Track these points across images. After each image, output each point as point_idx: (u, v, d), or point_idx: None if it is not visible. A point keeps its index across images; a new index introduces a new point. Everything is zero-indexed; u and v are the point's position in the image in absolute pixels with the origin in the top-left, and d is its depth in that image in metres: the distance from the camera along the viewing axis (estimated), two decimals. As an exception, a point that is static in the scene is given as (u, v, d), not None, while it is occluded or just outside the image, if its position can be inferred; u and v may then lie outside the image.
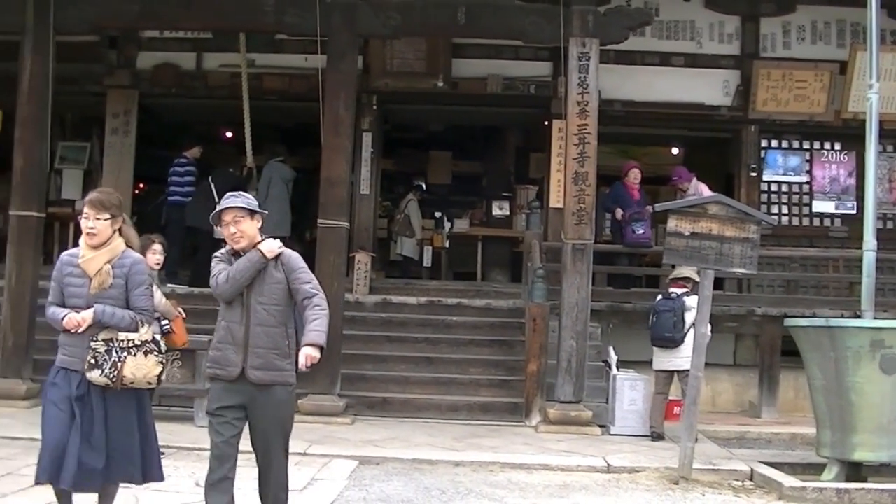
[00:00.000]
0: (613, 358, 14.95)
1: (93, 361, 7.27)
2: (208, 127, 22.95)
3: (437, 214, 23.12)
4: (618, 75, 17.85)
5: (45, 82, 14.76)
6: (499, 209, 22.26)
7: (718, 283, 15.00)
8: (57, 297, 7.59)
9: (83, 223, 7.52)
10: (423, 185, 22.98)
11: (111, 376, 7.25)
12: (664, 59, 18.90)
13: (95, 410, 7.33)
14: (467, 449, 12.60)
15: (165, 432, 12.09)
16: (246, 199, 7.60)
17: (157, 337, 7.69)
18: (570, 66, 14.50)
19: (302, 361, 7.39)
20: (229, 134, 23.20)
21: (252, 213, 7.52)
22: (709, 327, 11.60)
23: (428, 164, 25.11)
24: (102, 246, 7.49)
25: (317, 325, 7.46)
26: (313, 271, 14.91)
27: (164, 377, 7.62)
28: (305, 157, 20.59)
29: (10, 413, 13.66)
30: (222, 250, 7.66)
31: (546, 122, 18.99)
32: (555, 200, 17.93)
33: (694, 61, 18.94)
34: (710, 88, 18.89)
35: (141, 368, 7.37)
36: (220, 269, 7.54)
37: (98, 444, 7.26)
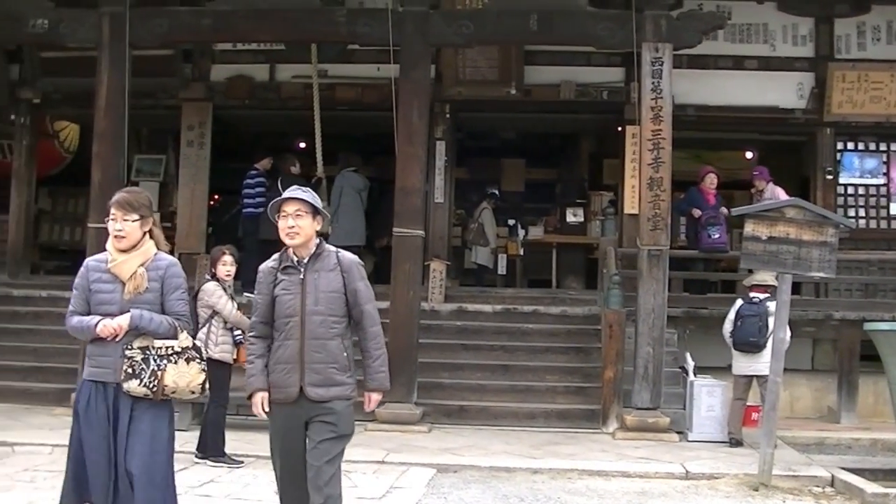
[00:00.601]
0: (690, 364, 14.86)
1: (130, 371, 6.81)
2: (282, 138, 23.09)
3: (511, 222, 23.07)
4: (691, 80, 17.73)
5: (122, 96, 14.91)
6: (573, 216, 22.18)
7: (796, 288, 14.87)
8: (81, 305, 7.11)
9: (110, 225, 7.07)
10: (497, 193, 22.95)
11: (151, 386, 6.82)
12: (737, 63, 18.74)
13: (121, 424, 6.85)
14: (545, 456, 12.58)
15: (244, 441, 12.26)
16: (313, 195, 7.16)
17: (199, 343, 7.34)
18: (643, 71, 14.44)
19: (369, 408, 7.41)
20: (302, 145, 23.31)
21: (316, 211, 7.10)
22: (788, 332, 11.52)
23: (501, 172, 25.10)
24: (133, 249, 7.05)
25: (381, 363, 7.28)
26: (388, 281, 15.08)
27: (207, 386, 7.22)
28: (378, 167, 20.66)
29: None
30: (269, 262, 7.31)
31: (619, 128, 18.90)
32: (629, 206, 17.86)
33: (767, 64, 18.76)
34: (784, 91, 18.70)
35: (183, 377, 6.97)
36: (255, 300, 7.31)
37: (130, 462, 6.78)
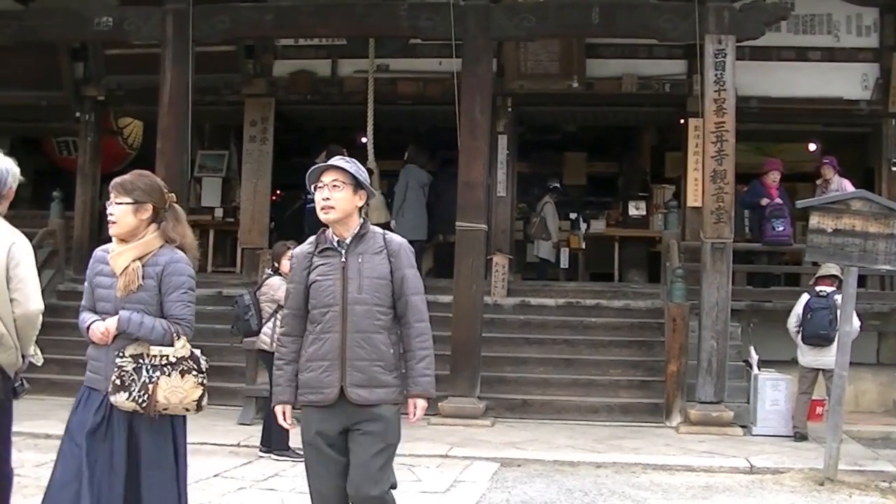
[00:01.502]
0: (754, 357, 14.79)
1: (118, 382, 6.02)
2: (344, 132, 23.16)
3: (573, 216, 23.04)
4: (753, 72, 17.59)
5: (185, 93, 15.03)
6: (635, 209, 22.11)
7: (861, 280, 14.72)
8: (89, 300, 6.45)
9: (108, 209, 6.34)
10: (559, 187, 22.90)
11: (141, 400, 6.00)
12: (801, 54, 18.55)
13: (117, 442, 6.07)
14: (608, 450, 12.57)
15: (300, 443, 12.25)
16: (358, 166, 6.29)
17: (197, 352, 6.30)
18: (706, 63, 14.37)
19: (414, 416, 6.39)
20: (364, 139, 23.38)
21: (358, 185, 6.21)
22: (857, 323, 11.43)
23: (563, 166, 25.02)
24: (133, 239, 6.26)
25: (426, 365, 6.33)
26: (451, 275, 15.08)
27: (205, 402, 6.28)
28: (440, 161, 20.69)
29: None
30: (305, 245, 6.47)
31: (682, 121, 18.83)
32: (692, 199, 17.78)
33: (831, 55, 18.57)
34: (848, 82, 18.50)
35: (176, 392, 6.10)
36: (287, 289, 6.56)
37: (117, 484, 6.01)
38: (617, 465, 11.82)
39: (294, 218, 20.75)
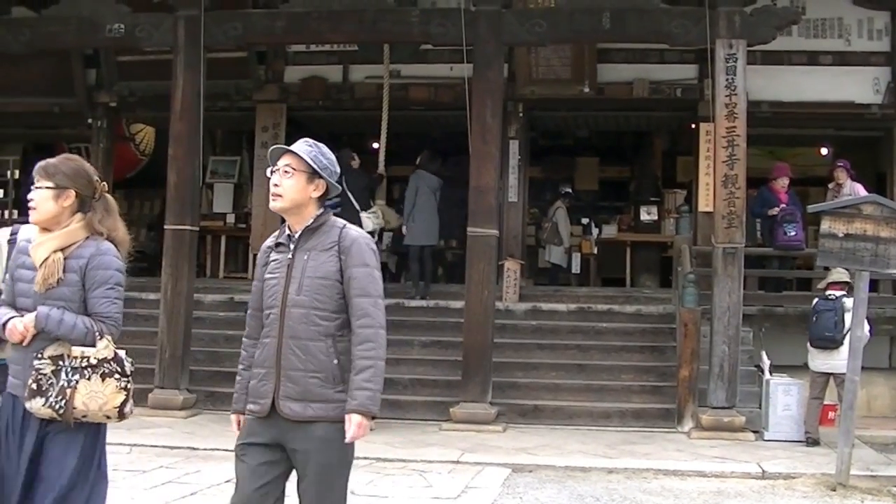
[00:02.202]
0: (766, 362, 14.77)
1: (35, 387, 5.46)
2: (356, 138, 23.21)
3: (585, 221, 23.06)
4: (765, 76, 17.59)
5: (197, 99, 15.06)
6: (647, 214, 22.13)
7: (873, 285, 14.69)
8: (8, 294, 5.87)
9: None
10: (571, 192, 22.92)
11: (58, 407, 5.44)
12: (812, 58, 18.54)
13: (25, 449, 5.58)
14: (620, 456, 12.56)
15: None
16: (320, 152, 5.64)
17: (122, 354, 5.73)
18: (717, 68, 14.36)
19: (348, 435, 5.39)
20: (376, 145, 23.42)
21: (314, 173, 5.57)
22: (867, 328, 11.42)
23: (575, 171, 25.07)
24: (55, 227, 5.72)
25: (367, 378, 5.46)
26: (463, 280, 15.11)
27: (129, 409, 5.71)
28: (452, 166, 20.70)
29: (168, 423, 13.96)
30: (268, 239, 5.89)
31: (693, 126, 18.86)
32: (704, 204, 17.78)
33: (843, 59, 18.54)
34: (859, 86, 18.48)
35: (95, 398, 5.51)
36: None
37: (10, 493, 5.54)
38: (628, 470, 11.82)
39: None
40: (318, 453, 5.44)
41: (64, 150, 22.92)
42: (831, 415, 14.40)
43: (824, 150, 21.85)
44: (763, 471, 11.79)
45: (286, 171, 5.56)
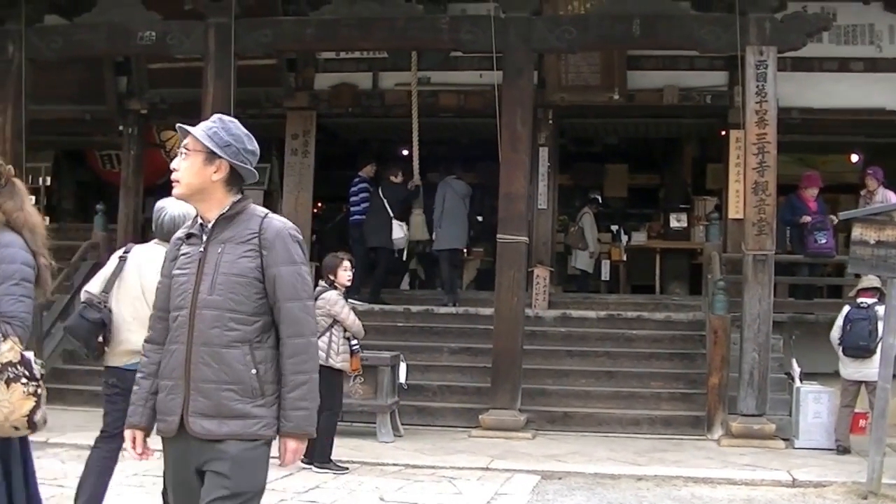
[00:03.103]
0: (796, 370, 14.72)
1: None
2: (385, 145, 23.27)
3: (614, 228, 23.04)
4: (795, 83, 17.51)
5: (227, 106, 15.09)
6: (676, 221, 22.10)
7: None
8: None
9: None
10: (599, 199, 22.92)
11: None
12: (843, 65, 18.46)
13: None
14: (650, 463, 12.54)
15: (348, 447, 12.37)
16: (221, 127, 4.99)
17: (29, 356, 5.18)
18: (748, 74, 14.32)
19: (284, 460, 4.87)
20: (405, 152, 23.46)
21: (212, 154, 4.86)
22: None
23: (604, 178, 25.05)
24: None
25: (301, 396, 4.78)
26: (492, 287, 15.12)
27: (39, 418, 5.12)
28: (482, 173, 20.71)
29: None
30: (181, 230, 5.18)
31: (723, 133, 18.81)
32: (734, 211, 17.75)
33: (874, 66, 18.45)
34: (891, 93, 18.32)
35: (0, 407, 4.93)
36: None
37: None
38: (658, 477, 11.78)
39: (336, 230, 20.86)
40: (229, 477, 4.68)
41: (95, 158, 23.19)
42: (862, 423, 14.34)
43: (855, 157, 21.77)
44: (793, 479, 11.74)
45: (183, 153, 4.92)
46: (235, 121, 5.09)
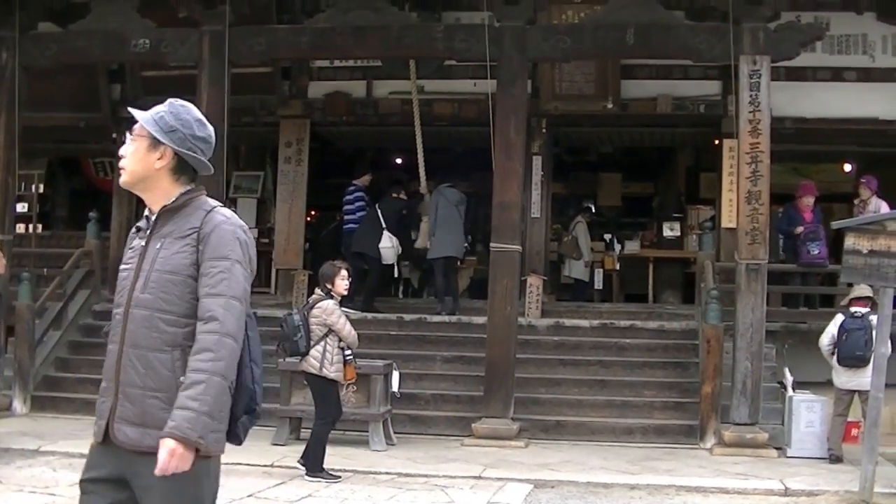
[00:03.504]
0: (789, 379, 14.73)
1: None
2: (380, 154, 23.28)
3: (608, 236, 23.06)
4: (788, 92, 17.51)
5: (221, 114, 15.09)
6: (670, 230, 22.11)
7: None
8: None
9: None
10: (592, 207, 22.95)
11: None
12: (836, 75, 18.48)
13: None
14: (642, 472, 12.54)
15: (341, 456, 12.36)
16: (169, 111, 4.65)
17: None
18: (741, 84, 14.34)
19: (158, 465, 4.17)
20: (399, 160, 23.48)
21: (155, 140, 4.55)
22: (889, 346, 11.39)
23: (598, 186, 25.10)
24: None
25: (195, 395, 4.26)
26: (485, 295, 15.14)
27: None
28: (475, 182, 20.72)
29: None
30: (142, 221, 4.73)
31: (716, 142, 18.83)
32: (727, 220, 17.75)
33: (867, 75, 18.47)
34: (884, 102, 18.35)
35: None
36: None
37: None
38: (650, 486, 11.80)
39: (330, 238, 20.86)
40: (158, 495, 4.31)
41: (89, 165, 23.18)
42: (854, 432, 14.37)
43: (848, 167, 21.81)
44: (786, 488, 11.76)
45: (133, 139, 4.62)
46: (189, 105, 4.72)
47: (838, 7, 17.97)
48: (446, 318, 17.33)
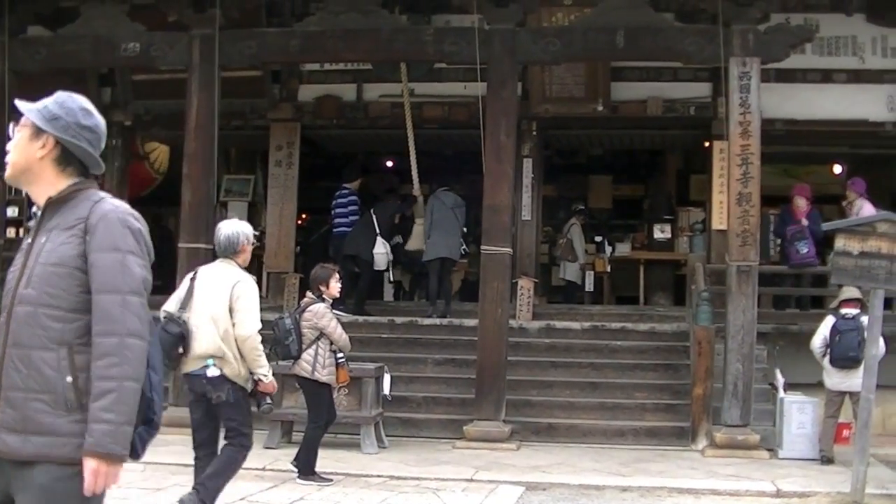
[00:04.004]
0: (780, 380, 14.73)
1: None
2: (370, 157, 23.27)
3: (598, 239, 23.06)
4: (778, 94, 17.53)
5: (212, 118, 15.11)
6: (660, 232, 22.10)
7: (887, 303, 14.65)
8: None
9: None
10: (586, 209, 22.95)
11: None
12: (826, 76, 18.51)
13: None
14: (634, 474, 12.54)
15: (332, 459, 12.35)
16: (54, 100, 4.34)
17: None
18: (731, 86, 14.36)
19: (85, 486, 3.90)
20: (390, 163, 23.47)
21: (37, 129, 4.24)
22: (883, 346, 11.41)
23: (588, 189, 25.09)
24: None
25: (107, 405, 3.95)
26: (476, 298, 15.15)
27: None
28: (466, 185, 20.72)
29: (183, 440, 13.93)
30: None
31: (707, 144, 18.84)
32: (717, 222, 17.74)
33: (857, 77, 18.50)
34: (873, 104, 18.41)
35: None
36: None
37: None
38: (642, 488, 11.80)
39: (321, 242, 20.85)
40: None
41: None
42: (845, 433, 14.39)
43: (838, 168, 21.83)
44: (778, 489, 11.76)
45: (19, 130, 4.29)
46: (77, 96, 4.40)
47: (827, 9, 17.98)
48: (437, 321, 17.31)
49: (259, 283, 20.06)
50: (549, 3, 16.95)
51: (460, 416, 14.81)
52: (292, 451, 12.03)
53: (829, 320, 13.86)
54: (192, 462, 9.34)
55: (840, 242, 11.36)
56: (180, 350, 9.00)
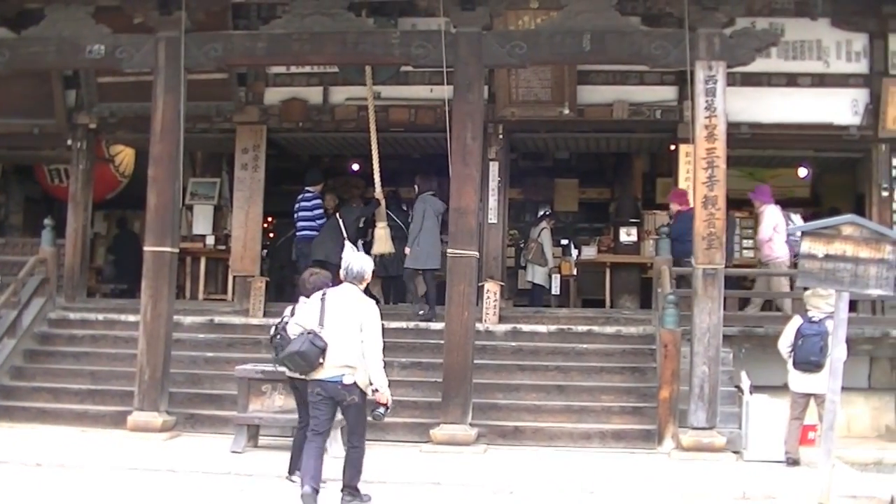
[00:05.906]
0: (746, 383, 14.75)
1: None
2: (336, 160, 23.22)
3: (565, 242, 23.07)
4: (744, 97, 17.58)
5: (177, 120, 15.05)
6: (626, 235, 22.12)
7: (853, 305, 14.69)
8: None
9: None
10: (552, 213, 22.94)
11: None
12: (791, 80, 18.56)
13: None
14: (600, 477, 12.53)
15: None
16: None
17: None
18: (697, 89, 14.38)
19: None
20: (356, 166, 23.44)
21: None
22: (844, 349, 11.44)
23: (555, 192, 25.13)
24: None
25: None
26: (442, 301, 15.14)
27: None
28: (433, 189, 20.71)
29: (148, 445, 13.90)
30: None
31: (673, 147, 18.89)
32: (683, 225, 17.78)
33: (822, 81, 18.56)
34: (838, 108, 18.48)
35: None
36: None
37: None
38: (608, 491, 11.80)
39: (287, 246, 20.79)
40: None
41: (43, 172, 23.05)
42: (811, 435, 14.40)
43: (803, 172, 21.93)
44: (744, 491, 11.78)
45: None
46: None
47: (793, 13, 17.98)
48: (403, 324, 17.24)
49: (225, 286, 20.10)
50: (515, 7, 16.92)
51: (427, 420, 14.79)
52: (259, 455, 11.96)
53: (796, 321, 13.88)
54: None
55: (805, 245, 11.39)
56: (321, 360, 10.37)
